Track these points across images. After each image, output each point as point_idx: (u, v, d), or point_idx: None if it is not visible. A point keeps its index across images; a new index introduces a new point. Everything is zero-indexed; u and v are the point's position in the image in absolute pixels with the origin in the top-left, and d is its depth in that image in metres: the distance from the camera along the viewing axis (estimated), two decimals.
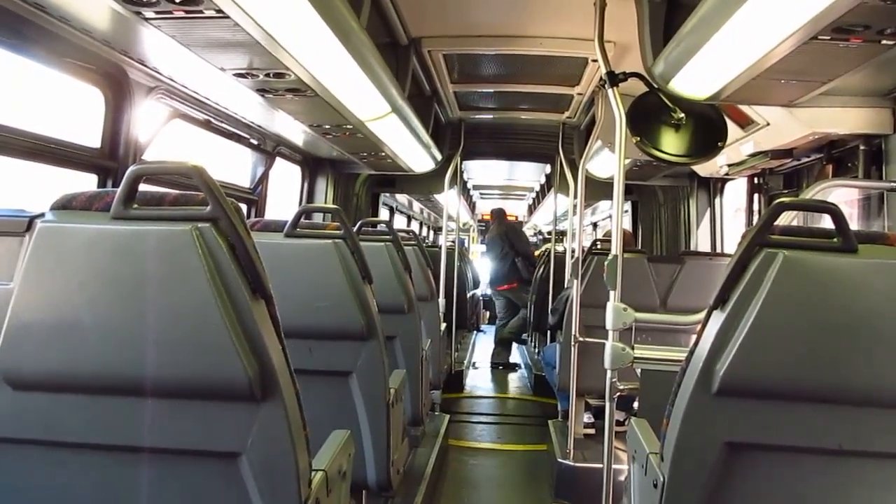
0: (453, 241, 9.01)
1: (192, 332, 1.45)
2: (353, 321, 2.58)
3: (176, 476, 1.58)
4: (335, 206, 2.86)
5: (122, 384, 1.50)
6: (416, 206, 12.84)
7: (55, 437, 1.55)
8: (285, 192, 5.43)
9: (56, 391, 1.52)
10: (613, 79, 3.04)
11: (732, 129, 3.62)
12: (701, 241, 5.70)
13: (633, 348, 2.78)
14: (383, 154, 4.92)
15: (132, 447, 1.55)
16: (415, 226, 13.66)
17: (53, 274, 1.46)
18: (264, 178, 4.63)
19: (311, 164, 5.65)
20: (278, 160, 4.83)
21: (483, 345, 10.93)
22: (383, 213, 9.12)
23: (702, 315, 1.77)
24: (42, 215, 1.51)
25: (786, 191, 4.35)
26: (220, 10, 2.07)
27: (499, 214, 8.88)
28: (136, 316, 1.46)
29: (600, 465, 3.00)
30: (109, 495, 1.60)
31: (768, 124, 3.46)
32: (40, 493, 1.59)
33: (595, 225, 12.23)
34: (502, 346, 8.76)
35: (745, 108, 3.51)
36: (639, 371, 2.87)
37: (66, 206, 1.53)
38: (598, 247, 4.75)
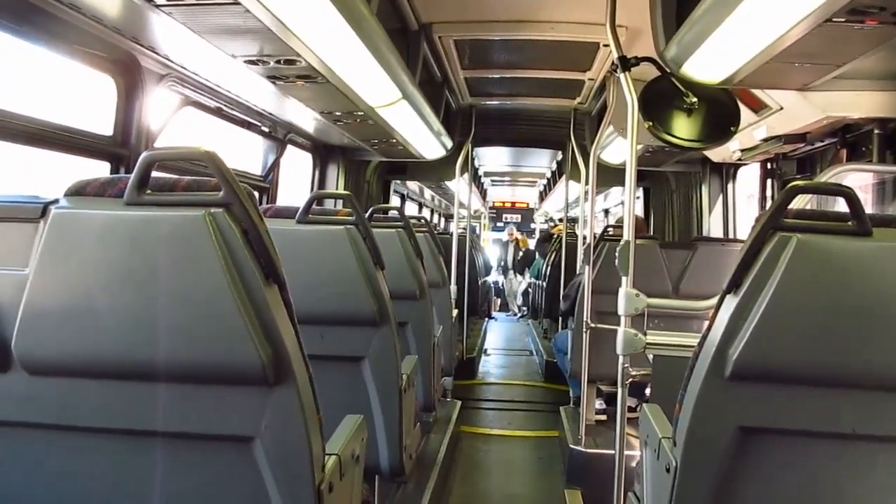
0: (465, 229, 9.00)
1: (206, 316, 1.46)
2: (366, 307, 2.59)
3: (190, 460, 1.60)
4: (347, 193, 2.86)
5: (137, 369, 1.51)
6: (428, 193, 12.84)
7: (70, 421, 1.56)
8: (297, 179, 5.43)
9: (71, 376, 1.53)
10: (625, 63, 3.00)
11: (745, 114, 3.59)
12: (713, 226, 5.67)
13: (645, 334, 2.76)
14: (394, 141, 4.92)
15: (146, 431, 1.56)
16: (426, 213, 13.65)
17: (68, 260, 1.47)
18: (275, 165, 4.63)
19: (323, 152, 5.65)
20: (289, 147, 4.83)
21: (494, 332, 10.94)
22: (394, 201, 9.13)
23: (714, 301, 1.76)
24: (56, 201, 1.52)
25: (799, 176, 4.31)
26: None
27: None
28: (150, 301, 1.47)
29: (612, 452, 2.99)
30: (124, 479, 1.61)
31: (782, 108, 3.43)
32: (55, 478, 1.61)
33: (607, 211, 12.19)
34: None
35: (758, 93, 3.48)
36: (651, 357, 2.86)
37: (79, 192, 1.54)
38: (610, 233, 4.73)
